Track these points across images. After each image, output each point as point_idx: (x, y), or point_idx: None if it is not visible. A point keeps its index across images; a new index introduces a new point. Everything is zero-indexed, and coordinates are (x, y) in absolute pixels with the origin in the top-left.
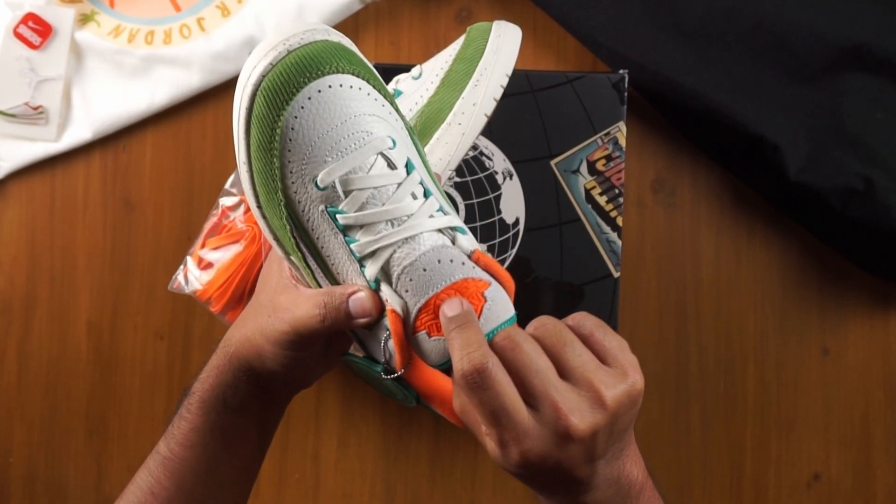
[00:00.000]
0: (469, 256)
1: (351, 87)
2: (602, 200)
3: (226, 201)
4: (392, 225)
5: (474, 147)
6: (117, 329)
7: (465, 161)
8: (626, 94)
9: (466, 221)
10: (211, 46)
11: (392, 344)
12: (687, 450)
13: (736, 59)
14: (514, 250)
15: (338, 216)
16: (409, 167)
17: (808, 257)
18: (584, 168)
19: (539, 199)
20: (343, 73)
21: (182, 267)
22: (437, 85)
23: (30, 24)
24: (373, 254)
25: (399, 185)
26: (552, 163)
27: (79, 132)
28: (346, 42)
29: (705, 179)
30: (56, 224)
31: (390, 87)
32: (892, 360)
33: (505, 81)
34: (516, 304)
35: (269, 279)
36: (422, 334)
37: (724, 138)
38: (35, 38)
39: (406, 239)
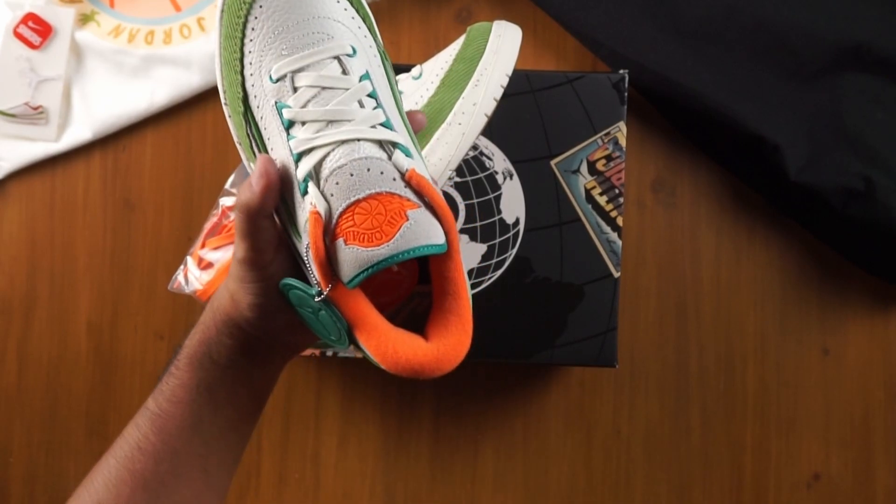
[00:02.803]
0: (402, 175)
1: None
2: (602, 200)
3: (226, 201)
4: (331, 126)
5: (474, 147)
6: (117, 329)
7: (465, 161)
8: (626, 94)
9: (466, 221)
10: (211, 46)
11: (311, 255)
12: (687, 450)
13: (736, 59)
14: (514, 250)
15: (283, 111)
16: (362, 79)
17: (808, 257)
18: (584, 168)
19: (539, 199)
20: None
21: (182, 267)
22: (438, 85)
23: (30, 24)
24: (308, 152)
25: (347, 90)
26: (552, 163)
27: (79, 132)
28: None
29: (705, 179)
30: (56, 224)
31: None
32: (892, 360)
33: (505, 81)
34: (517, 303)
35: None
36: (339, 242)
37: (724, 138)
38: (35, 38)
39: (342, 142)
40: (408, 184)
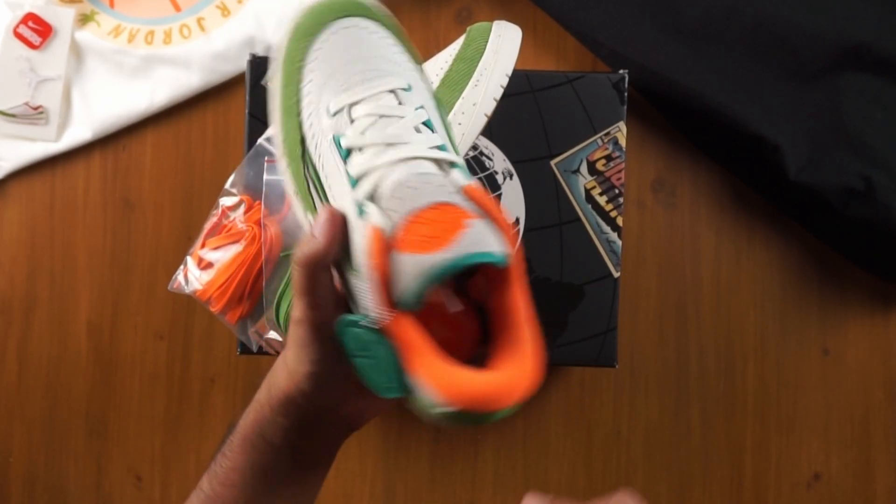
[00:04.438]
0: (460, 190)
1: (378, 34)
2: (602, 200)
3: (226, 201)
4: (389, 149)
5: (474, 147)
6: (117, 329)
7: (465, 161)
8: (626, 94)
9: None
10: (211, 46)
11: (372, 272)
12: (687, 450)
13: (736, 59)
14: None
15: (341, 140)
16: (418, 109)
17: (808, 257)
18: (584, 168)
19: (539, 199)
20: (373, 20)
21: (182, 267)
22: (437, 85)
23: (30, 24)
24: (367, 174)
25: (403, 118)
26: (552, 163)
27: (79, 132)
28: (386, 10)
29: (705, 179)
30: (56, 224)
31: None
32: (892, 360)
33: (505, 81)
34: None
35: None
36: (397, 254)
37: (724, 138)
38: (35, 38)
39: (401, 160)
40: (467, 198)
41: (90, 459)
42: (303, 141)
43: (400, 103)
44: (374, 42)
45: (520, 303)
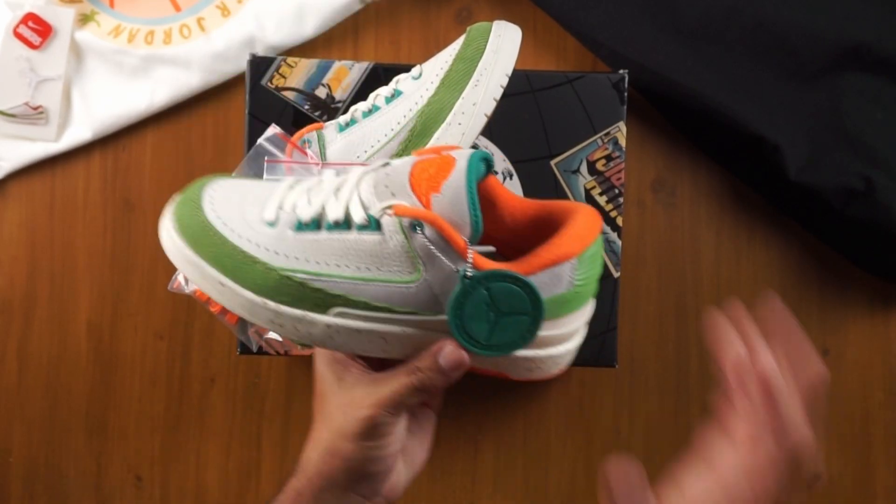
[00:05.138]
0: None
1: (235, 180)
2: (602, 200)
3: None
4: (342, 186)
5: (474, 147)
6: (117, 329)
7: None
8: (626, 94)
9: None
10: (211, 46)
11: (438, 225)
12: (687, 450)
13: (736, 59)
14: None
15: (301, 222)
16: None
17: (808, 257)
18: (584, 168)
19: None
20: (221, 179)
21: None
22: (437, 85)
23: (30, 24)
24: (347, 206)
25: (322, 180)
26: (552, 163)
27: (79, 132)
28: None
29: (705, 179)
30: (56, 224)
31: (390, 86)
32: (892, 360)
33: (505, 81)
34: None
35: (327, 392)
36: (432, 196)
37: (724, 138)
38: (35, 38)
39: (355, 182)
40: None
41: (90, 459)
42: (271, 269)
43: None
44: (241, 182)
45: (515, 198)
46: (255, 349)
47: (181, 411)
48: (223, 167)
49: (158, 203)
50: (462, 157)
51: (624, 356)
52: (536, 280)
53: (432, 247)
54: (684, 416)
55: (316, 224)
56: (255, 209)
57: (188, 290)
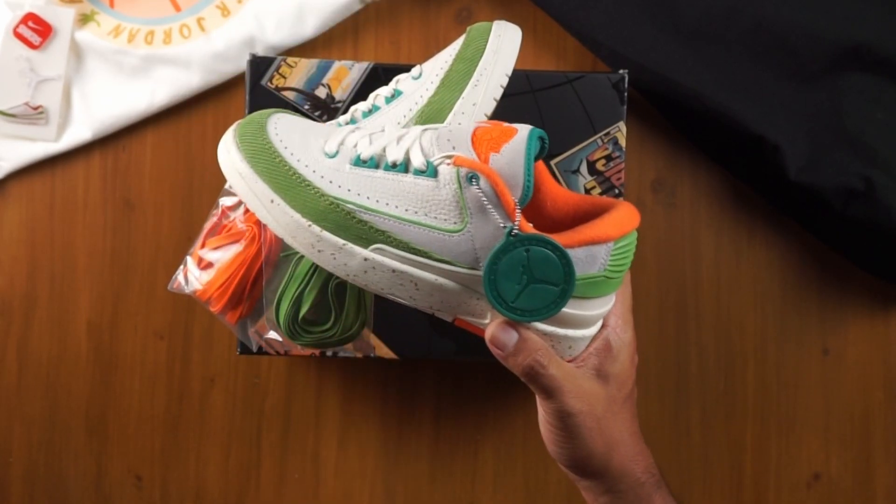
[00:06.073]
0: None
1: (298, 116)
2: None
3: (226, 201)
4: (407, 133)
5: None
6: (117, 329)
7: None
8: (626, 94)
9: None
10: (211, 46)
11: (492, 180)
12: (687, 450)
13: (736, 59)
14: None
15: (361, 156)
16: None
17: (808, 257)
18: (584, 168)
19: None
20: (283, 113)
21: (182, 267)
22: (437, 85)
23: (30, 24)
24: (408, 151)
25: (383, 131)
26: (552, 163)
27: (79, 132)
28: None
29: (705, 179)
30: (56, 224)
31: (390, 86)
32: (892, 360)
33: (505, 81)
34: None
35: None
36: (491, 155)
37: (724, 138)
38: (35, 38)
39: (425, 129)
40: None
41: (90, 459)
42: (322, 195)
43: (372, 132)
44: (306, 120)
45: (559, 187)
46: (254, 349)
47: (181, 411)
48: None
49: (158, 203)
50: (524, 129)
51: None
52: (573, 255)
53: (485, 199)
54: (684, 416)
55: (374, 163)
56: (317, 141)
57: (188, 290)
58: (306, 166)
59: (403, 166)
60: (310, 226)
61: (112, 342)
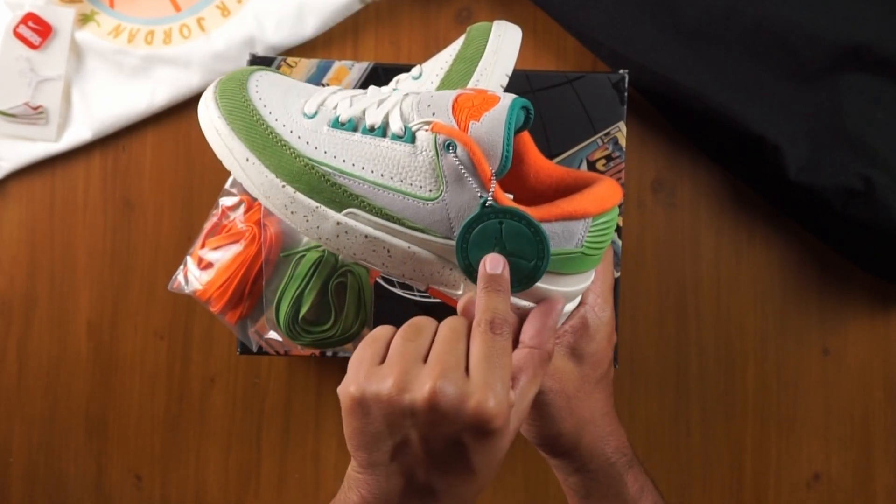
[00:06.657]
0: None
1: (281, 75)
2: None
3: (226, 201)
4: (387, 99)
5: None
6: (117, 329)
7: None
8: (626, 94)
9: None
10: (211, 46)
11: (470, 148)
12: (687, 450)
13: (736, 59)
14: None
15: (339, 118)
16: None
17: (808, 257)
18: (584, 168)
19: None
20: (266, 70)
21: (182, 267)
22: (437, 85)
23: (30, 24)
24: (386, 115)
25: (365, 93)
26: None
27: (79, 132)
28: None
29: (705, 179)
30: (56, 224)
31: (390, 86)
32: (892, 360)
33: (505, 81)
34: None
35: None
36: (471, 123)
37: (724, 138)
38: (35, 38)
39: (401, 98)
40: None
41: (90, 459)
42: (298, 156)
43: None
44: (289, 78)
45: (543, 159)
46: (254, 349)
47: (181, 411)
48: (223, 167)
49: (158, 203)
50: (507, 98)
51: (624, 356)
52: (549, 229)
53: (461, 168)
54: (684, 416)
55: (352, 125)
56: (297, 101)
57: (188, 290)
58: (283, 126)
59: (381, 130)
60: (284, 186)
61: (112, 342)
